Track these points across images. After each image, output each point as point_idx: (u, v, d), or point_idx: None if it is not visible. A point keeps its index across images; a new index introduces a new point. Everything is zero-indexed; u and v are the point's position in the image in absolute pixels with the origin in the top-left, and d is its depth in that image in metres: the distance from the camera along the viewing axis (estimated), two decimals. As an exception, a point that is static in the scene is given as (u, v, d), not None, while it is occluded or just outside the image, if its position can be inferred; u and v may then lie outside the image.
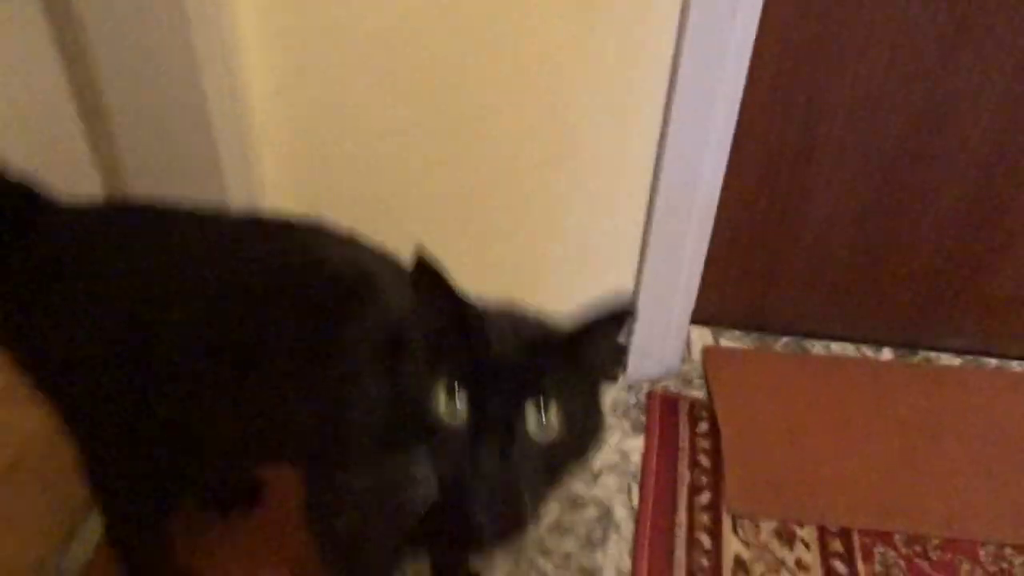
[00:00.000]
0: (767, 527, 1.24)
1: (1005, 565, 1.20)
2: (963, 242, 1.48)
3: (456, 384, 0.65)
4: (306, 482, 0.88)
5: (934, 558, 1.21)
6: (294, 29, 1.14)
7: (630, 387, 1.49)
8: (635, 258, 1.38)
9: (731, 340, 1.61)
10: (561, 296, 1.35)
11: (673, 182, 1.27)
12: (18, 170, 0.81)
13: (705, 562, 1.19)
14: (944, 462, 1.35)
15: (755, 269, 1.56)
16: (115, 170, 1.07)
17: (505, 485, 0.66)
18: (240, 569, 1.14)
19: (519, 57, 1.17)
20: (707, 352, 1.57)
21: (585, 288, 1.42)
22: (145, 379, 0.83)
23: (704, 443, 1.38)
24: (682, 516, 1.26)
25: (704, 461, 1.35)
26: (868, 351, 1.60)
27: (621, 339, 0.69)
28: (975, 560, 1.21)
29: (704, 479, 1.32)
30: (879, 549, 1.22)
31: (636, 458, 1.36)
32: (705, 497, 1.29)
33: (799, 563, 1.20)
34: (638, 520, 1.25)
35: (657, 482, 1.31)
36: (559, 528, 1.24)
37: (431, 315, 0.68)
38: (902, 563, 1.20)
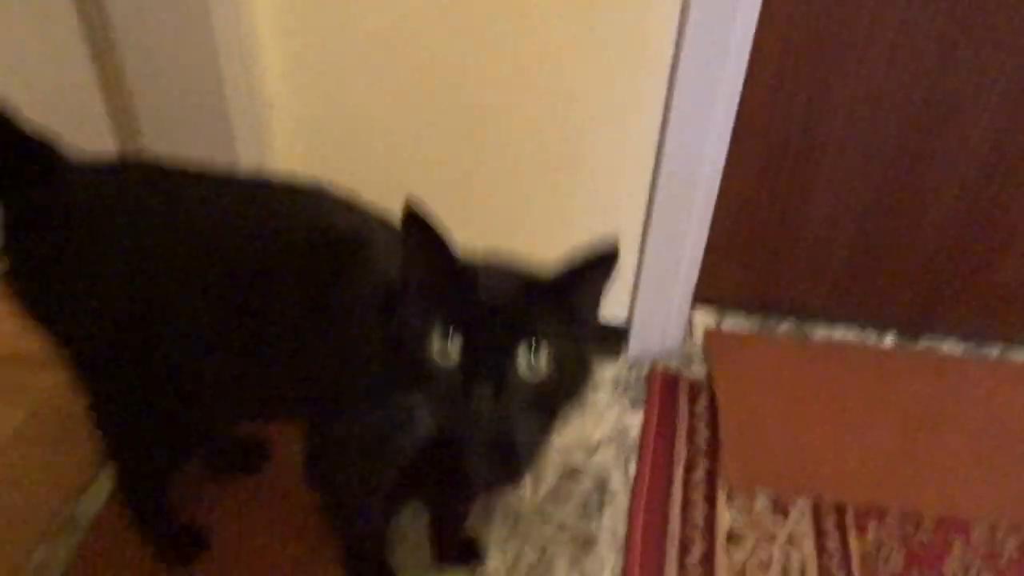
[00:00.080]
0: (761, 501, 1.26)
1: (998, 546, 1.21)
2: (969, 227, 1.49)
3: (449, 329, 0.68)
4: (307, 435, 0.92)
5: (927, 536, 1.22)
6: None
7: (631, 365, 1.51)
8: (637, 236, 1.40)
9: (734, 321, 1.63)
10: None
11: (676, 159, 1.29)
12: (36, 125, 0.85)
13: (698, 533, 1.21)
14: (942, 448, 1.36)
15: (759, 251, 1.58)
16: (131, 135, 1.11)
17: (499, 423, 0.69)
18: (245, 526, 1.17)
19: (524, 33, 1.20)
20: (709, 335, 1.58)
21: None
22: (153, 331, 0.86)
23: (702, 421, 1.40)
24: (677, 488, 1.28)
25: (701, 437, 1.37)
26: (871, 335, 1.61)
27: (607, 282, 0.71)
28: (968, 540, 1.22)
29: (700, 454, 1.34)
30: (872, 525, 1.23)
31: (634, 433, 1.38)
32: (701, 471, 1.31)
33: (791, 536, 1.21)
34: (634, 491, 1.27)
35: (654, 456, 1.33)
36: (556, 497, 1.26)
37: (422, 263, 0.71)
38: (895, 539, 1.21)
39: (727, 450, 1.33)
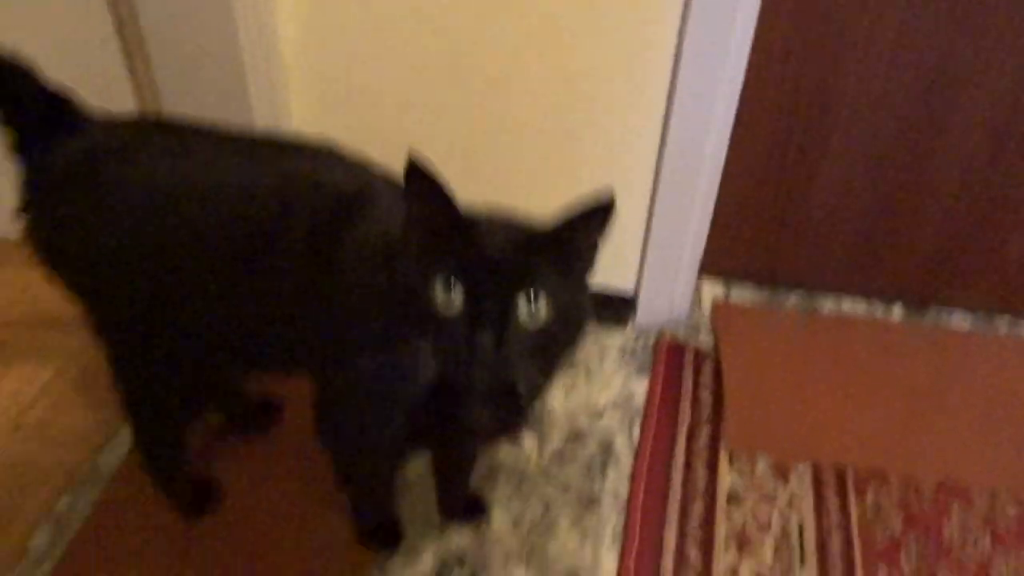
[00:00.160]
0: (763, 464, 1.28)
1: (997, 511, 1.22)
2: (979, 201, 1.49)
3: (452, 279, 0.71)
4: (316, 389, 0.95)
5: (927, 500, 1.23)
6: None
7: (638, 334, 1.54)
8: (645, 207, 1.42)
9: (742, 293, 1.64)
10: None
11: (682, 129, 1.30)
12: (57, 82, 0.88)
13: (700, 493, 1.24)
14: (945, 417, 1.37)
15: (767, 224, 1.59)
16: (151, 99, 1.15)
17: (500, 367, 0.72)
18: (258, 483, 1.21)
19: (535, 3, 1.21)
20: (716, 307, 1.60)
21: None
22: (167, 283, 0.90)
23: (707, 388, 1.42)
24: (680, 452, 1.30)
25: (705, 404, 1.39)
26: (879, 308, 1.62)
27: (604, 232, 0.73)
28: (968, 504, 1.23)
29: (704, 419, 1.36)
30: (872, 489, 1.25)
31: (640, 399, 1.40)
32: (704, 436, 1.33)
33: (792, 497, 1.23)
34: (637, 453, 1.30)
35: (658, 420, 1.35)
36: (561, 459, 1.29)
37: (424, 214, 0.73)
38: (894, 503, 1.23)
39: (730, 414, 1.35)
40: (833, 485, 1.25)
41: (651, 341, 1.52)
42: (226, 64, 1.10)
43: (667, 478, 1.26)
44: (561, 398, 1.39)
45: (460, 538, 1.16)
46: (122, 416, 1.09)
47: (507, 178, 1.41)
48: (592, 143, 1.35)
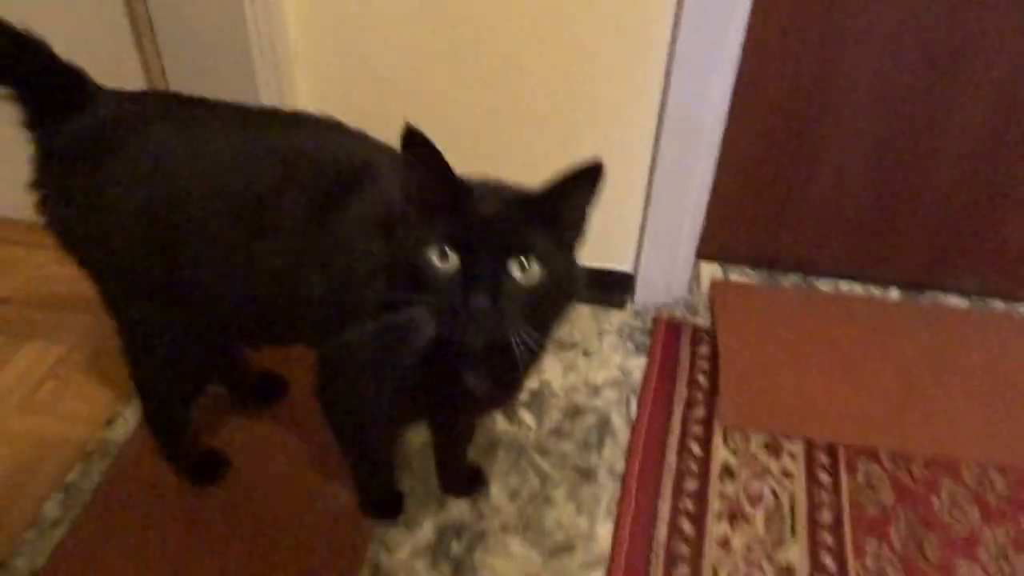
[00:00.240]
0: (756, 440, 1.31)
1: (987, 484, 1.24)
2: (977, 184, 1.50)
3: (447, 240, 0.74)
4: (318, 358, 0.98)
5: (917, 474, 1.26)
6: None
7: (637, 313, 1.56)
8: (643, 188, 1.44)
9: (741, 275, 1.66)
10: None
11: (681, 105, 1.32)
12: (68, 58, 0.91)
13: (694, 467, 1.26)
14: (937, 394, 1.39)
15: (766, 206, 1.60)
16: (158, 78, 1.18)
17: (495, 322, 0.74)
18: (264, 455, 1.25)
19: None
20: (714, 286, 1.62)
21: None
22: (174, 252, 0.93)
23: (703, 366, 1.45)
24: (676, 427, 1.33)
25: (702, 381, 1.41)
26: (876, 290, 1.64)
27: (593, 196, 0.76)
28: (958, 478, 1.25)
29: (700, 396, 1.38)
30: (863, 463, 1.27)
31: (637, 376, 1.43)
32: (699, 412, 1.36)
33: (784, 472, 1.26)
34: (634, 428, 1.33)
35: (655, 397, 1.38)
36: (558, 433, 1.32)
37: (421, 179, 0.76)
38: (886, 477, 1.25)
39: (725, 391, 1.38)
40: (825, 460, 1.27)
41: (649, 320, 1.55)
42: (233, 44, 1.13)
43: (662, 453, 1.28)
44: (560, 375, 1.42)
45: (459, 509, 1.19)
46: (132, 390, 1.13)
47: (506, 158, 1.43)
48: (590, 124, 1.37)
